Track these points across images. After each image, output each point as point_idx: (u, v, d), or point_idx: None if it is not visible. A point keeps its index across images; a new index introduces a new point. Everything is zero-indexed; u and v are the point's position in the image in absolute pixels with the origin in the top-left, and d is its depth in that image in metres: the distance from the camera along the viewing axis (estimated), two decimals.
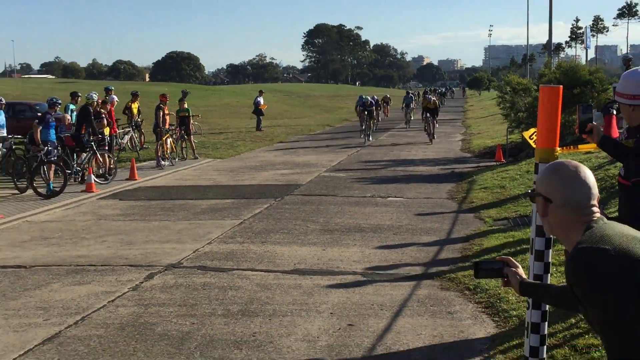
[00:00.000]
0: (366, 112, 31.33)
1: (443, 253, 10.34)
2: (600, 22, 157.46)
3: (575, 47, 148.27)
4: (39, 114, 18.54)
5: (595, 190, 2.72)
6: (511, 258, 3.43)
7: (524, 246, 9.56)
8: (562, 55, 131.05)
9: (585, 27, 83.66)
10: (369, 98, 33.39)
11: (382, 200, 15.15)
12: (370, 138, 31.28)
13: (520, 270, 3.37)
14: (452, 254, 10.22)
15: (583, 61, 59.36)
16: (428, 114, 30.46)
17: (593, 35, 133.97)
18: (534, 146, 5.02)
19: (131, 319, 7.54)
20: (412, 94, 49.30)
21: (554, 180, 2.74)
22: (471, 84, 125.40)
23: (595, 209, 2.71)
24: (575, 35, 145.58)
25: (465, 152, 25.73)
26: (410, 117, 41.60)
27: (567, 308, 3.41)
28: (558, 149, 4.87)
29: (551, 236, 4.80)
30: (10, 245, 11.21)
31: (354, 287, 8.66)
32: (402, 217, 13.14)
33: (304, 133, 36.61)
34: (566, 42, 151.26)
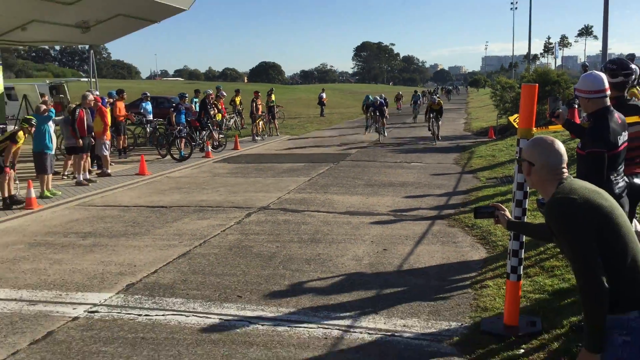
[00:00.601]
0: (377, 112, 21.74)
1: (450, 201, 10.23)
2: (565, 39, 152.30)
3: (547, 57, 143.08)
4: (174, 104, 18.79)
5: (565, 157, 2.72)
6: (500, 204, 3.43)
7: (508, 196, 9.41)
8: (537, 63, 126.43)
9: (555, 43, 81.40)
10: (378, 98, 22.83)
11: (407, 164, 15.01)
12: (385, 133, 21.94)
13: (507, 213, 3.41)
14: (456, 202, 10.11)
15: (553, 67, 57.43)
16: (432, 114, 21.04)
17: (560, 49, 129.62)
18: (517, 127, 4.90)
19: (236, 242, 7.69)
20: (419, 93, 37.79)
21: (536, 149, 2.73)
22: (472, 84, 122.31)
23: (565, 170, 2.70)
24: (547, 49, 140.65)
25: (467, 131, 25.22)
26: (418, 113, 33.18)
27: (540, 239, 3.46)
28: (534, 129, 4.76)
29: (528, 190, 4.72)
30: (156, 193, 11.48)
31: (388, 223, 8.65)
32: (421, 176, 13.02)
33: (353, 118, 36.28)
34: (541, 54, 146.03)
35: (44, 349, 4.61)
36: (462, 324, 4.96)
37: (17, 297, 5.77)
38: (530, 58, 42.42)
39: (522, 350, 4.32)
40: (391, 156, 16.76)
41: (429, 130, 20.98)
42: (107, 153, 13.53)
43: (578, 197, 2.51)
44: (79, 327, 5.03)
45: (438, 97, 22.56)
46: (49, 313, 5.36)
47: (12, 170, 10.19)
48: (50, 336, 4.86)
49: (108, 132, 13.55)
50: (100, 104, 13.36)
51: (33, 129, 10.41)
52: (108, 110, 14.04)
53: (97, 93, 14.89)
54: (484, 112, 36.16)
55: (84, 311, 5.39)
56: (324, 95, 37.62)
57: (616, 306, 2.43)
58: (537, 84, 4.84)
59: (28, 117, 10.94)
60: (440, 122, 20.89)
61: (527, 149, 2.78)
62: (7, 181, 10.01)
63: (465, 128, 27.05)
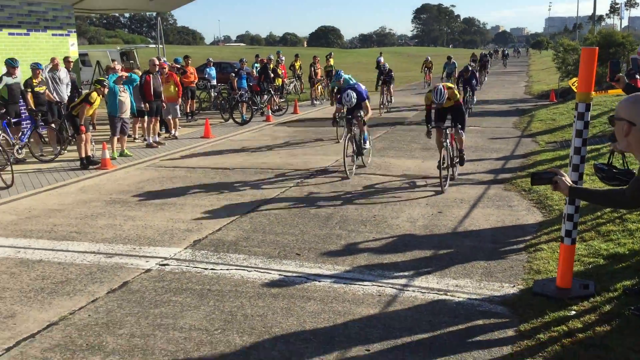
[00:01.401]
0: (350, 113, 9.83)
1: (507, 165, 10.05)
2: None
3: (613, 18, 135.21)
4: (236, 69, 19.00)
5: None
6: (559, 170, 3.27)
7: (566, 161, 9.15)
8: (602, 24, 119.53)
9: (621, 3, 77.30)
10: (351, 96, 9.59)
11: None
12: (370, 157, 10.50)
13: (567, 178, 3.14)
14: (514, 166, 9.92)
15: (618, 28, 54.27)
16: (441, 124, 8.84)
17: (627, 9, 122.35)
18: (576, 91, 4.76)
19: (294, 203, 7.85)
20: (453, 60, 25.91)
21: (638, 108, 2.49)
22: (534, 45, 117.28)
23: None
24: (613, 9, 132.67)
25: (527, 94, 24.40)
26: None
27: (607, 206, 3.23)
28: (593, 92, 4.62)
29: (585, 154, 4.61)
30: (219, 155, 11.77)
31: None
32: (479, 140, 12.79)
33: (411, 82, 35.71)
34: (606, 14, 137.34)
35: (120, 298, 4.93)
36: (514, 286, 4.96)
37: (95, 250, 6.14)
38: (595, 19, 40.13)
39: (574, 312, 4.30)
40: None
41: (439, 164, 8.41)
42: (177, 117, 13.97)
43: None
44: (152, 279, 5.33)
45: (451, 87, 9.03)
46: (124, 265, 5.70)
47: (88, 132, 10.66)
48: (126, 286, 5.18)
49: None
50: (167, 70, 13.72)
51: (105, 89, 10.79)
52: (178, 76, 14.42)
53: (164, 59, 15.25)
54: (546, 75, 34.79)
55: (156, 264, 5.70)
56: (382, 59, 37.02)
57: None
58: (597, 47, 4.67)
59: (100, 78, 11.34)
60: (462, 134, 8.97)
61: (627, 107, 2.53)
62: (83, 142, 10.50)
63: (525, 91, 26.15)
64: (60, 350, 4.05)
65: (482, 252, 5.82)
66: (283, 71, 21.49)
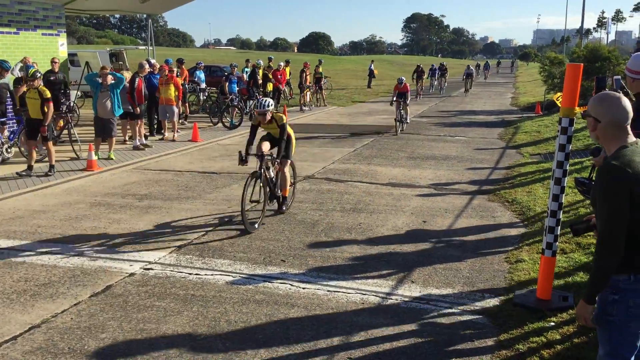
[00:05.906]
0: None
1: (492, 176, 10.14)
2: (620, 14, 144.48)
3: (600, 32, 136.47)
4: (226, 73, 18.95)
5: (631, 114, 2.64)
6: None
7: (549, 174, 9.26)
8: (590, 37, 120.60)
9: (609, 18, 78.32)
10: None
11: (451, 138, 14.86)
12: None
13: None
14: (498, 177, 10.01)
15: (606, 42, 54.87)
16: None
17: (614, 24, 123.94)
18: (560, 105, 4.84)
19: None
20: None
21: (603, 105, 2.66)
22: (522, 57, 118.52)
23: (630, 130, 2.64)
24: (601, 23, 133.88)
25: (513, 106, 24.62)
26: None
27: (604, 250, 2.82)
28: (577, 108, 4.70)
29: (567, 168, 4.69)
30: (206, 159, 11.74)
31: (428, 196, 8.67)
32: (464, 150, 12.89)
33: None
34: (594, 28, 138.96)
35: (103, 301, 4.90)
36: (495, 296, 5.01)
37: (79, 253, 6.11)
38: (582, 32, 40.59)
39: (553, 324, 4.36)
40: (435, 129, 16.60)
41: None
42: (175, 119, 13.97)
43: (632, 171, 2.49)
44: (135, 283, 5.32)
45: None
46: (108, 268, 5.67)
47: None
48: (109, 290, 5.16)
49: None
50: (167, 72, 13.74)
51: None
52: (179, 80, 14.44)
53: (154, 61, 15.19)
54: (533, 87, 35.14)
55: (140, 268, 5.68)
56: (372, 66, 37.17)
57: None
58: (582, 64, 4.75)
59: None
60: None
61: (593, 106, 2.71)
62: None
63: (512, 102, 26.40)
64: (42, 353, 4.03)
65: (465, 262, 5.87)
66: (282, 76, 21.33)
